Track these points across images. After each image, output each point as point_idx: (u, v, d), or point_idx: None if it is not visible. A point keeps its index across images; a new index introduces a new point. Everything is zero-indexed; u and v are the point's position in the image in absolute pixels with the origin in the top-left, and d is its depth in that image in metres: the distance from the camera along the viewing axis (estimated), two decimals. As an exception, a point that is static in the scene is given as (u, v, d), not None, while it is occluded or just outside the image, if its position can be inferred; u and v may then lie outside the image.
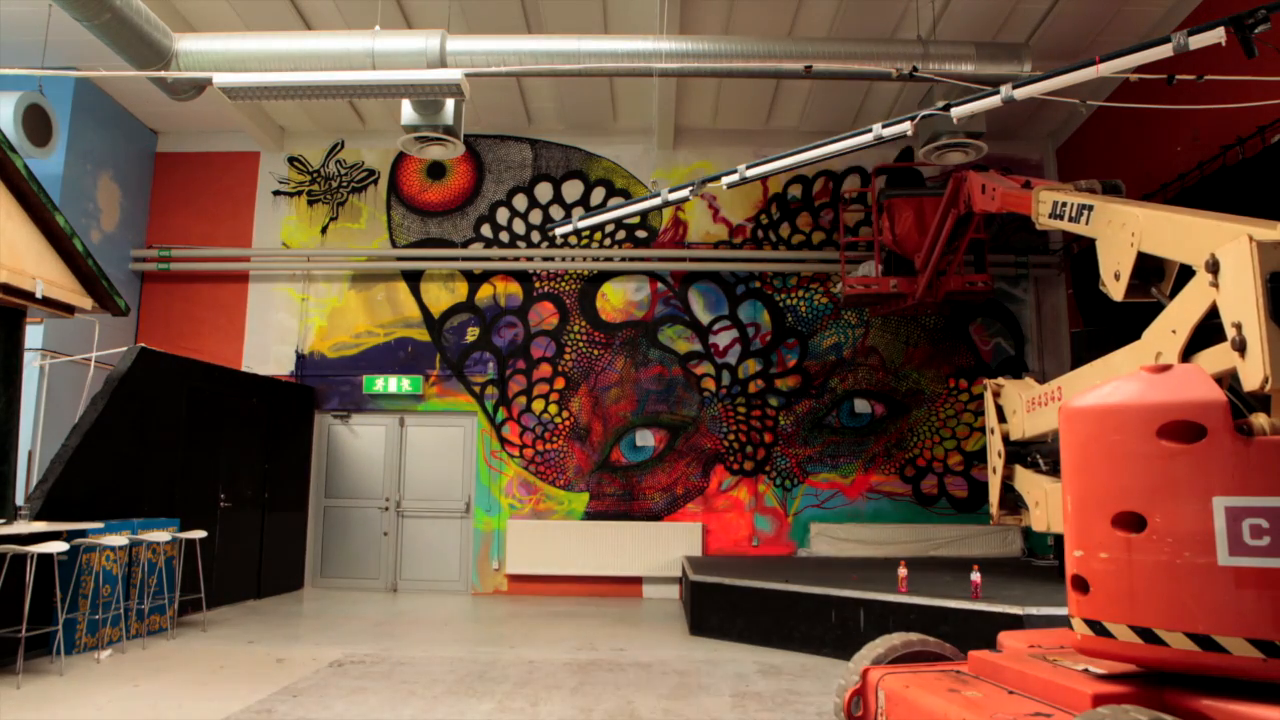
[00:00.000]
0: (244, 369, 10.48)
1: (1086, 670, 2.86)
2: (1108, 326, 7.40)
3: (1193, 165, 7.79)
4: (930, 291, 8.84)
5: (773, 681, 5.75)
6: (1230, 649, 2.35)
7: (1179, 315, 2.92)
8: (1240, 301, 2.61)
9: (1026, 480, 4.29)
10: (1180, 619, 2.40)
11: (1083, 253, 10.03)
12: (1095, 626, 2.59)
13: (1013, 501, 4.51)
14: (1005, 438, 4.47)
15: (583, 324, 10.72)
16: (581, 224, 8.40)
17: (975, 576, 6.17)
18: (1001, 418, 4.54)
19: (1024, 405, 4.28)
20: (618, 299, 10.77)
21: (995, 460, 4.53)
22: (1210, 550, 2.37)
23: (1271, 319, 2.57)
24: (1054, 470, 4.27)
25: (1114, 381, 2.71)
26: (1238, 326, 2.62)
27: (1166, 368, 2.66)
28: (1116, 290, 3.69)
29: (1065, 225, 4.29)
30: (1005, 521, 4.56)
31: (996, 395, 4.61)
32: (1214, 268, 2.72)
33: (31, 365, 8.29)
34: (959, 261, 8.72)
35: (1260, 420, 2.61)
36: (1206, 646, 2.38)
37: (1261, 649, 2.32)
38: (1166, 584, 2.43)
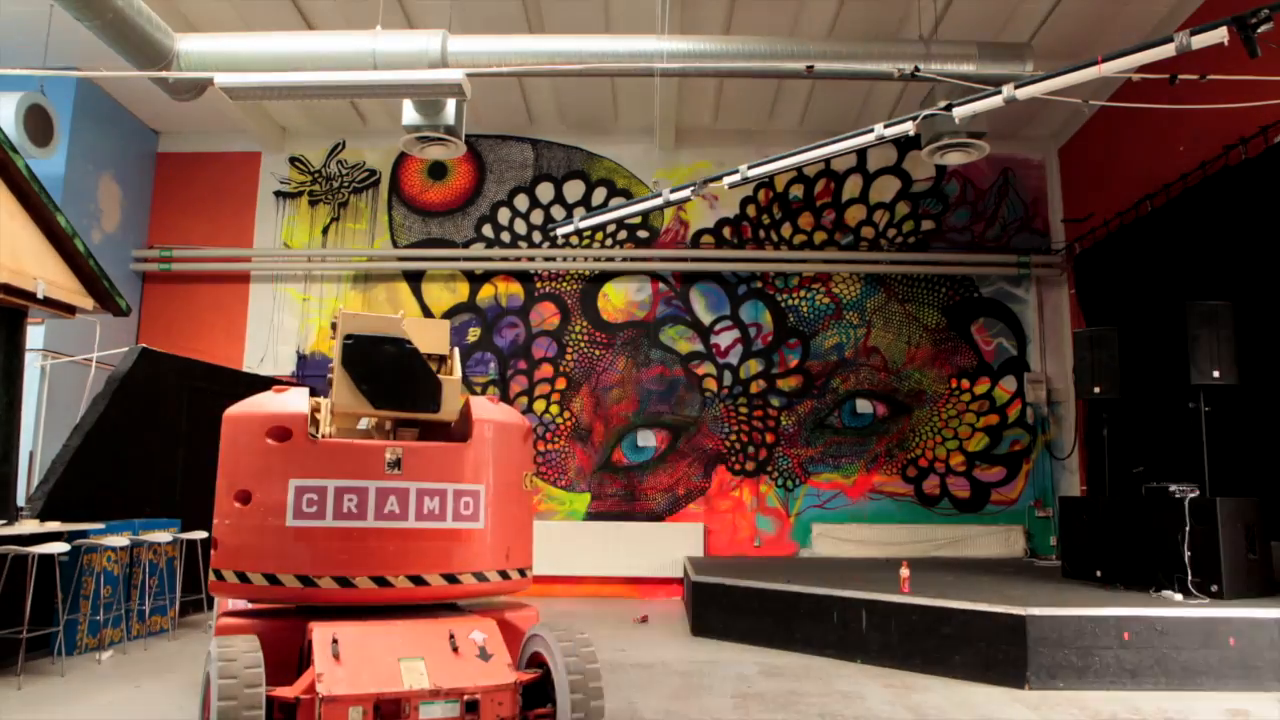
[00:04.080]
0: (245, 369, 10.47)
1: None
2: (1110, 327, 7.37)
3: (1195, 165, 7.78)
4: None
5: (775, 682, 5.74)
6: (284, 583, 3.74)
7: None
8: (337, 352, 4.01)
9: None
10: (261, 564, 3.76)
11: (1085, 253, 10.01)
12: (218, 575, 3.85)
13: None
14: None
15: (584, 324, 10.70)
16: (583, 224, 8.38)
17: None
18: None
19: None
20: (619, 299, 10.76)
21: None
22: (284, 515, 3.75)
23: (342, 365, 3.97)
24: None
25: (259, 396, 4.02)
26: (333, 368, 4.03)
27: (289, 386, 4.04)
28: None
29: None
30: None
31: None
32: (334, 327, 4.07)
33: (33, 366, 8.28)
34: None
35: (327, 428, 4.12)
36: (272, 581, 3.75)
37: (301, 581, 3.74)
38: (257, 540, 3.78)
